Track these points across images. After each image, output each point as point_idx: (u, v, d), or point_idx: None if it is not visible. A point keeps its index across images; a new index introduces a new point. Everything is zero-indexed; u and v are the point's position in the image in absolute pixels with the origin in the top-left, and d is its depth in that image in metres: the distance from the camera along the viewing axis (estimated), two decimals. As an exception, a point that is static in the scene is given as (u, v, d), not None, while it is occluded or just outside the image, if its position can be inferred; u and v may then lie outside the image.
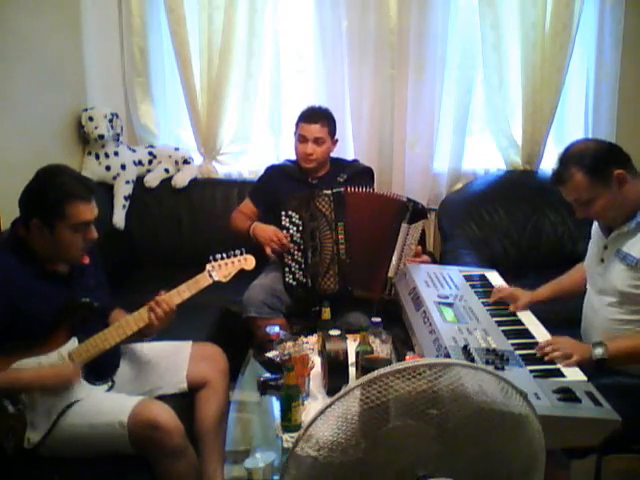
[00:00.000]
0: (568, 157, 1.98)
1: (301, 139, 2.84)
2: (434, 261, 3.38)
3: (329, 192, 2.68)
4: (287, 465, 1.21)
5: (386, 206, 2.69)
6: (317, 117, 2.85)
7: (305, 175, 2.91)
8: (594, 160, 1.93)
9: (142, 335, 2.08)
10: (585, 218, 2.04)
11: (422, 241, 2.75)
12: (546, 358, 1.88)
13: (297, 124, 2.89)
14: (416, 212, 2.67)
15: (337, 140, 2.96)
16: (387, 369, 1.15)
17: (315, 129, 2.81)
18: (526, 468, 1.23)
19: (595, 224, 2.16)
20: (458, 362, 1.19)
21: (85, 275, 2.06)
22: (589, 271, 2.16)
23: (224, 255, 2.16)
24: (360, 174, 2.93)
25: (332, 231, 2.67)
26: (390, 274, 2.63)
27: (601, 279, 2.06)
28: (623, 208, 1.97)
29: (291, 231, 2.70)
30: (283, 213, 2.71)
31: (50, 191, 1.87)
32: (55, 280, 1.95)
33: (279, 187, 2.87)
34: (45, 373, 1.85)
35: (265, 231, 2.73)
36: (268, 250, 2.70)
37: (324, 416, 1.18)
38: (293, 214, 2.70)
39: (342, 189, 2.69)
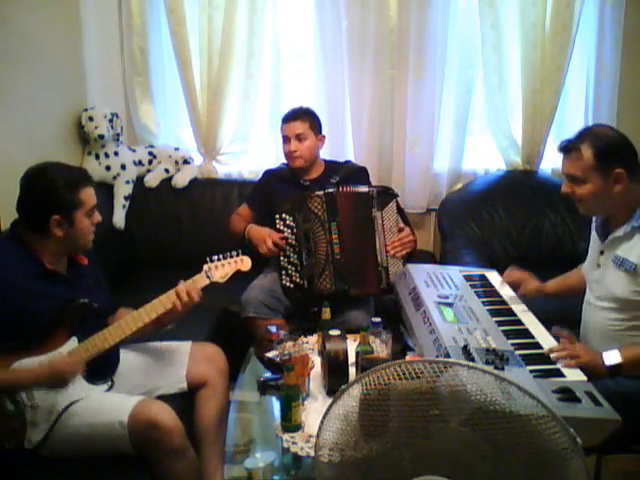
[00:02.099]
0: (586, 132, 1.99)
1: (284, 140, 2.87)
2: (434, 260, 3.39)
3: (321, 193, 2.68)
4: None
5: (357, 200, 2.71)
6: (296, 115, 2.88)
7: (298, 177, 2.91)
8: (607, 146, 1.93)
9: (162, 324, 2.11)
10: (566, 196, 2.03)
11: (403, 218, 2.78)
12: (553, 357, 1.88)
13: (281, 129, 2.92)
14: (382, 196, 2.70)
15: (324, 137, 2.97)
16: (386, 364, 1.15)
17: (295, 126, 2.84)
18: (537, 469, 1.22)
19: (593, 229, 2.16)
20: (459, 362, 1.19)
21: (84, 276, 2.07)
22: (587, 276, 2.16)
23: (221, 256, 2.17)
24: (353, 174, 2.93)
25: (326, 232, 2.67)
26: (381, 263, 2.66)
27: (597, 285, 2.06)
28: (606, 205, 1.98)
29: (286, 234, 2.71)
30: (277, 216, 2.72)
31: (59, 185, 1.90)
32: (55, 280, 1.96)
33: (273, 191, 2.90)
34: (39, 369, 1.84)
35: (259, 232, 2.74)
36: (261, 251, 2.70)
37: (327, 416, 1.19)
38: (287, 217, 2.71)
39: (333, 189, 2.70)
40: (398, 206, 2.75)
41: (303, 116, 2.88)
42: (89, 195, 1.97)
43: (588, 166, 1.93)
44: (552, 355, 1.89)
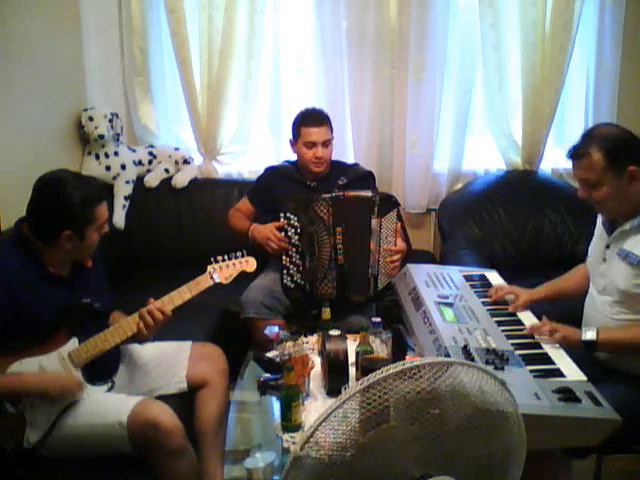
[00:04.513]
0: (592, 135, 1.97)
1: (310, 145, 2.77)
2: (434, 260, 3.39)
3: (328, 197, 2.62)
4: (289, 468, 1.21)
5: (359, 205, 2.65)
6: (322, 120, 2.81)
7: (304, 177, 2.88)
8: (616, 145, 1.91)
9: (134, 340, 2.07)
10: (584, 200, 2.02)
11: (402, 229, 2.75)
12: (537, 335, 1.99)
13: (298, 129, 2.81)
14: (384, 203, 2.64)
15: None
16: (387, 370, 1.15)
17: (324, 132, 2.77)
18: (506, 463, 1.22)
19: (599, 223, 2.15)
20: (457, 361, 1.19)
21: (87, 277, 2.06)
22: (591, 270, 2.16)
23: (225, 257, 2.15)
24: (361, 178, 2.89)
25: (330, 236, 2.62)
26: (371, 271, 2.63)
27: (602, 278, 2.06)
28: (624, 204, 1.96)
29: (289, 233, 2.68)
30: (282, 215, 2.68)
31: (75, 202, 1.88)
32: (57, 282, 1.96)
33: (277, 189, 2.85)
34: (49, 384, 1.84)
35: (263, 232, 2.71)
36: (269, 250, 2.69)
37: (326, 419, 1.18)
38: (292, 216, 2.68)
39: (341, 194, 2.64)
40: (398, 215, 2.70)
41: (326, 120, 2.81)
42: (103, 211, 1.97)
43: (600, 168, 1.90)
44: (536, 335, 1.99)
